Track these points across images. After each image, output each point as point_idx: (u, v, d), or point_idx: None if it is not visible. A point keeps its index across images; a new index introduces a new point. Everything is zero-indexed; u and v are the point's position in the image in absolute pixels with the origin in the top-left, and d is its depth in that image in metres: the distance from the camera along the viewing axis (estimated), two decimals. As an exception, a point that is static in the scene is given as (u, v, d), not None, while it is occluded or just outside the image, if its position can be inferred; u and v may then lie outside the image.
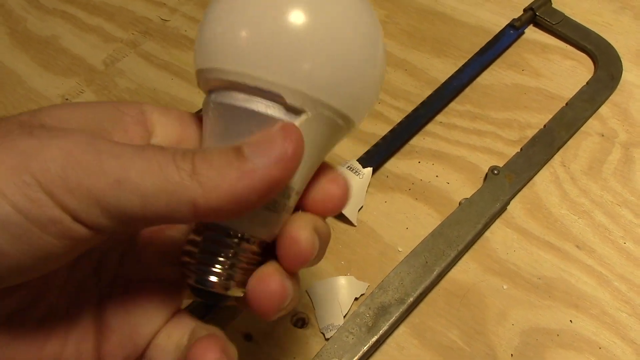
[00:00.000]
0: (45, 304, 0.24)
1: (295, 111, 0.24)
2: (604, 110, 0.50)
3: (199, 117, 0.28)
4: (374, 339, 0.37)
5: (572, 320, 0.39)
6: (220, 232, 0.25)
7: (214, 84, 0.25)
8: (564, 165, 0.47)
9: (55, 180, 0.20)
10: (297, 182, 0.25)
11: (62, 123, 0.23)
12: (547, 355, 0.38)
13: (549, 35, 0.55)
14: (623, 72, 0.52)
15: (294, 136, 0.22)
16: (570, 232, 0.43)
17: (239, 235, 0.25)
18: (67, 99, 0.53)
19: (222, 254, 0.25)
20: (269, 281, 0.25)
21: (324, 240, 0.26)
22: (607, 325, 0.39)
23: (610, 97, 0.50)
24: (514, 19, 0.55)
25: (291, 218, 0.26)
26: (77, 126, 0.23)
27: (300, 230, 0.25)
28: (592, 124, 0.49)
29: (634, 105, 0.50)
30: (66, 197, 0.20)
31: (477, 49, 0.54)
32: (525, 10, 0.56)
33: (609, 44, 0.53)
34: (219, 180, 0.21)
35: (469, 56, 0.54)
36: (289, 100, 0.24)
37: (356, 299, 0.40)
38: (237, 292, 0.25)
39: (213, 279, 0.25)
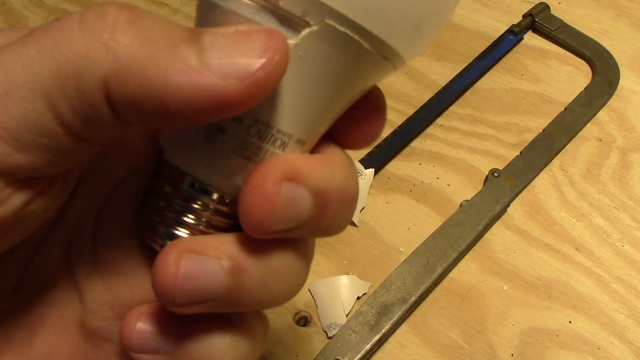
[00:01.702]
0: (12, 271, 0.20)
1: (292, 23, 0.17)
2: (601, 115, 0.50)
3: None
4: (377, 337, 0.38)
5: (571, 321, 0.40)
6: (188, 182, 0.19)
7: None
8: (563, 169, 0.47)
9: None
10: (298, 126, 0.18)
11: None
12: (547, 355, 0.38)
13: (548, 41, 0.56)
14: (620, 78, 0.52)
15: (276, 48, 0.15)
16: (569, 234, 0.44)
17: (197, 186, 0.19)
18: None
19: (192, 215, 0.19)
20: (263, 180, 0.17)
21: (332, 198, 0.18)
22: (605, 326, 0.40)
23: (608, 103, 0.51)
24: (513, 25, 0.56)
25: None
26: None
27: (262, 177, 0.17)
28: (590, 128, 0.50)
29: (631, 111, 0.51)
30: None
31: (476, 54, 0.55)
32: (524, 16, 0.56)
33: (607, 51, 0.54)
34: (145, 58, 0.15)
35: (468, 60, 0.54)
36: (284, 3, 0.17)
37: (358, 298, 0.41)
38: None
39: (155, 239, 0.20)
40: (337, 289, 0.41)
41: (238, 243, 0.18)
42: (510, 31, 0.56)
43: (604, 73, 0.53)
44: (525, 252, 0.43)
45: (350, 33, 0.17)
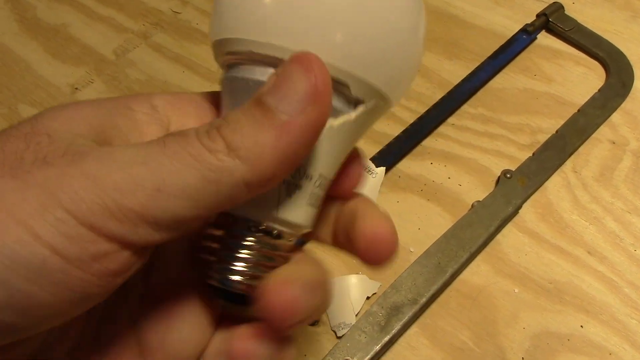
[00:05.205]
0: (71, 334, 0.22)
1: (350, 99, 0.22)
2: (615, 117, 0.50)
3: (212, 96, 0.26)
4: (387, 338, 0.37)
5: (583, 326, 0.39)
6: (242, 225, 0.22)
7: (234, 59, 0.22)
8: (576, 171, 0.47)
9: (93, 210, 0.17)
10: (325, 167, 0.23)
11: (71, 127, 0.20)
12: (558, 359, 0.38)
13: (561, 42, 0.55)
14: (635, 80, 0.52)
15: (313, 64, 0.19)
16: (582, 237, 0.43)
17: (263, 227, 0.22)
18: (76, 88, 0.52)
19: (246, 250, 0.22)
20: (281, 289, 0.21)
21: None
22: (617, 331, 0.39)
23: (621, 105, 0.50)
24: (527, 24, 0.55)
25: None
26: (88, 130, 0.21)
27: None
28: (603, 131, 0.49)
29: (645, 113, 0.50)
30: (110, 224, 0.18)
31: (488, 53, 0.54)
32: (538, 15, 0.56)
33: (621, 52, 0.53)
34: (258, 148, 0.18)
35: (480, 59, 0.54)
36: (354, 91, 0.22)
37: (368, 298, 0.40)
38: None
39: (235, 277, 0.22)
40: (346, 289, 0.40)
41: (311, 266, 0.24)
42: (523, 30, 0.55)
43: (618, 75, 0.52)
44: (537, 254, 0.42)
45: (383, 103, 0.23)
